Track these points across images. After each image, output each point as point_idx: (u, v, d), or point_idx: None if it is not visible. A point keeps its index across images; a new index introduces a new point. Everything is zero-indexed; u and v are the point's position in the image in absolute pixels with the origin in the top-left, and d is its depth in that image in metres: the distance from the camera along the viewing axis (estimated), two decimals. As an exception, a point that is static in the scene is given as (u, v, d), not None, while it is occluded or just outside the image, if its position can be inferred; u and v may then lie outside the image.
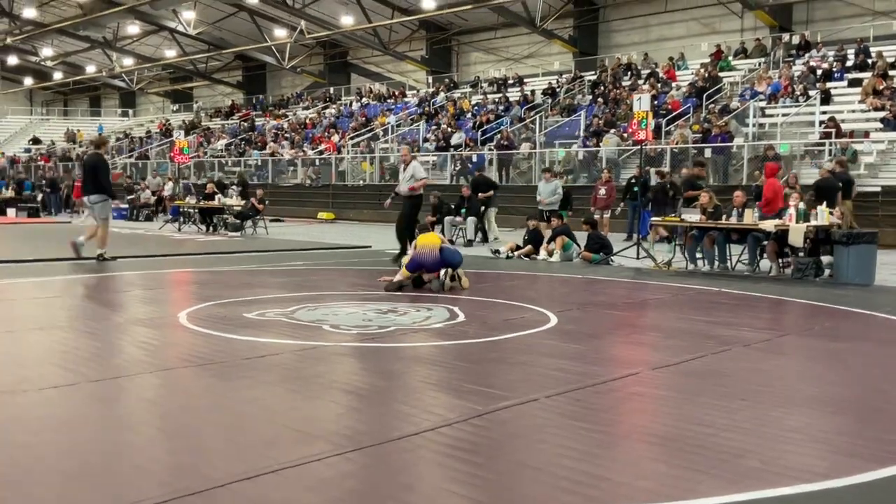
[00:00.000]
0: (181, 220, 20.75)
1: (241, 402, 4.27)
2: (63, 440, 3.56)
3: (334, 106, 39.34)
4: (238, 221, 18.96)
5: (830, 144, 18.59)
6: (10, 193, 28.94)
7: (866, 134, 19.33)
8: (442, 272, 8.76)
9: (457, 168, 25.29)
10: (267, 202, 20.13)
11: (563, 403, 4.28)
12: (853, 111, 21.05)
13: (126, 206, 26.24)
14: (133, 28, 42.69)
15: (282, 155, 32.06)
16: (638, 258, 12.59)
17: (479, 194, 16.73)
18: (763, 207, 11.62)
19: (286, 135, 35.56)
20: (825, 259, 10.33)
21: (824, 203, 10.90)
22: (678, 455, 3.46)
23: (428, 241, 8.98)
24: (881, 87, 20.85)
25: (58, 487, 2.96)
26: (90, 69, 50.75)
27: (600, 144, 22.63)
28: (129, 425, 3.81)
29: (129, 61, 48.08)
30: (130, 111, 56.29)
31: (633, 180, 16.55)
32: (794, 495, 2.97)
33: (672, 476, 3.20)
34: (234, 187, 21.04)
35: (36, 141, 49.91)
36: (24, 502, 2.76)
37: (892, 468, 3.27)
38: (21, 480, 3.02)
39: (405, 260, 9.25)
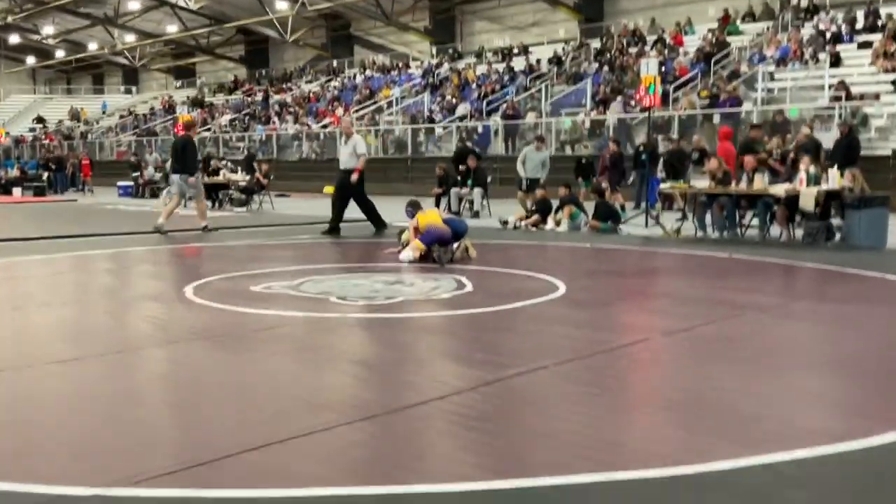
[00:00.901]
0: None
1: (247, 374, 4.23)
2: (69, 414, 3.54)
3: (338, 79, 39.07)
4: (243, 197, 18.88)
5: (840, 108, 18.36)
6: (16, 173, 28.93)
7: (876, 97, 19.08)
8: (455, 245, 8.72)
9: (462, 139, 25.10)
10: (272, 177, 20.03)
11: (574, 370, 4.23)
12: (863, 74, 20.76)
13: (131, 183, 26.18)
14: (134, 4, 42.38)
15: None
16: (647, 226, 12.49)
17: (461, 166, 16.67)
18: None
19: (290, 109, 35.36)
20: (836, 223, 10.22)
21: (835, 166, 10.74)
22: (691, 420, 3.41)
23: (432, 219, 8.89)
24: (892, 50, 20.54)
25: (64, 461, 2.93)
26: (92, 47, 50.48)
27: (607, 112, 22.42)
28: (136, 398, 3.78)
29: (130, 38, 47.80)
30: (134, 88, 56.09)
31: (641, 148, 16.39)
32: (809, 458, 2.91)
33: (685, 441, 3.16)
34: (227, 163, 21.02)
35: (40, 120, 49.81)
36: (30, 477, 2.73)
37: (909, 429, 3.21)
38: (27, 454, 2.99)
39: (406, 237, 9.06)
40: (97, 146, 39.98)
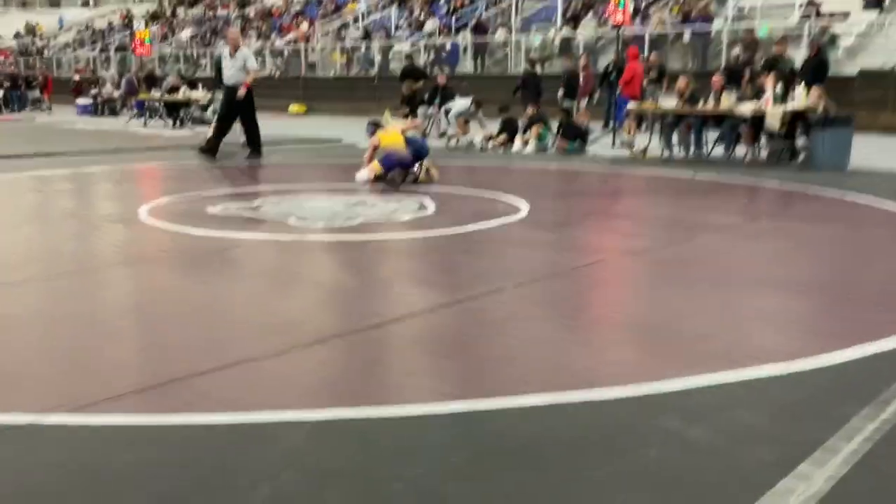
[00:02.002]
0: (147, 114, 20.16)
1: (201, 297, 4.16)
2: (8, 338, 3.44)
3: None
4: (205, 115, 18.44)
5: (809, 27, 18.17)
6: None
7: (846, 15, 18.88)
8: (416, 166, 8.57)
9: (430, 57, 24.56)
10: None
11: (530, 292, 4.21)
12: (835, -9, 20.48)
13: (90, 101, 25.42)
14: None
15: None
16: (613, 146, 12.43)
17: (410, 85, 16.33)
18: (623, 87, 12.98)
19: (253, 24, 34.30)
20: (801, 143, 10.22)
21: (802, 85, 10.68)
22: (644, 340, 3.42)
23: (392, 141, 8.70)
24: (865, -34, 20.23)
25: (11, 386, 2.85)
26: (45, -45, 48.24)
27: (577, 29, 22.02)
28: (81, 321, 3.69)
29: (85, -53, 45.69)
30: (91, 1, 53.90)
31: (610, 67, 16.13)
32: (759, 378, 2.93)
33: (637, 361, 3.17)
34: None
35: (-6, 34, 47.88)
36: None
37: (859, 348, 3.25)
38: (-33, 381, 2.91)
39: (368, 155, 8.88)
40: (54, 62, 38.64)
